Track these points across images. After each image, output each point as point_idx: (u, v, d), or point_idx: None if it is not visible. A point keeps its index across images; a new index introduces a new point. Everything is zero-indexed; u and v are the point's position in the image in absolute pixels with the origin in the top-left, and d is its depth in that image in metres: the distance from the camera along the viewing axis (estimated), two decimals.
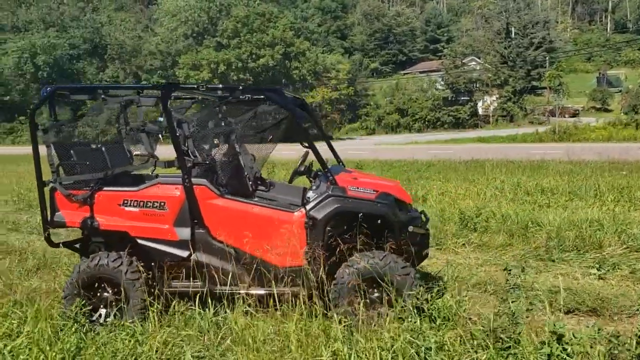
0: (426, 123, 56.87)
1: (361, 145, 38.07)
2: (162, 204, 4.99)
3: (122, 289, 4.92)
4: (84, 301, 4.84)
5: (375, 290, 4.89)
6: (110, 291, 5.01)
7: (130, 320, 4.74)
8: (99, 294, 5.01)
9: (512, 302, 4.42)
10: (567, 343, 3.87)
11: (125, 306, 4.91)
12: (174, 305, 4.90)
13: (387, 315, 4.66)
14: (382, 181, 5.58)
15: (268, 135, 6.43)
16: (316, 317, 4.52)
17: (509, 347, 3.97)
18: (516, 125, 49.67)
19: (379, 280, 4.78)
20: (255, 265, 4.89)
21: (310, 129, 6.38)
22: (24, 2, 59.58)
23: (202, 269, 4.97)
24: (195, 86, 5.13)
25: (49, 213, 5.17)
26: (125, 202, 5.02)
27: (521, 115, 52.87)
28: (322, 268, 4.86)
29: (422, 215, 5.45)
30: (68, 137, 5.20)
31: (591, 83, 62.66)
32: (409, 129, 56.99)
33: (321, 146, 5.32)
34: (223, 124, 5.90)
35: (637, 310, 5.29)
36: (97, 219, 5.05)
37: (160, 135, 5.98)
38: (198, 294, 4.87)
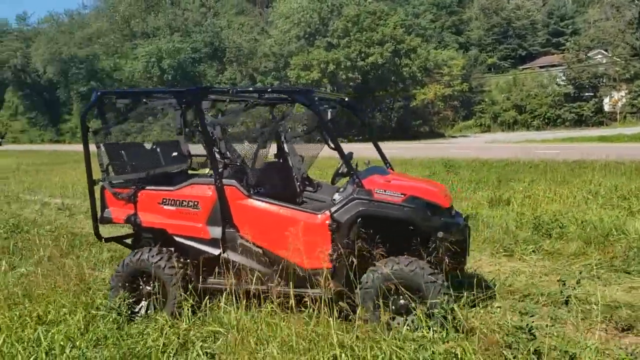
0: (545, 120, 53.88)
1: (470, 143, 36.84)
2: (196, 203, 5.18)
3: (161, 284, 5.18)
4: (126, 293, 5.16)
5: (402, 297, 4.75)
6: (150, 285, 5.28)
7: (167, 314, 4.97)
8: (141, 288, 5.30)
9: (531, 316, 4.09)
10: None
11: (163, 300, 5.16)
12: (206, 302, 5.06)
13: (406, 322, 4.52)
14: (419, 184, 5.39)
15: (316, 135, 6.46)
16: (337, 319, 4.49)
17: None
18: None
19: (403, 287, 4.65)
20: (281, 266, 4.94)
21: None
22: (153, 9, 63.96)
23: (232, 267, 5.10)
24: (227, 90, 5.26)
25: (99, 210, 5.55)
26: (164, 200, 5.28)
27: None
28: (345, 271, 4.82)
29: (461, 222, 5.19)
30: (117, 138, 5.53)
31: None
32: (526, 127, 54.30)
33: (385, 145, 5.23)
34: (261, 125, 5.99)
35: None
36: (140, 216, 5.35)
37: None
38: (227, 292, 5.00)
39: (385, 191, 4.82)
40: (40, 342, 4.35)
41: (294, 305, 4.62)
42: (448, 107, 61.91)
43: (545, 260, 7.21)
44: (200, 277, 5.15)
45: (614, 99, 52.06)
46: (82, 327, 4.61)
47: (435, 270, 4.69)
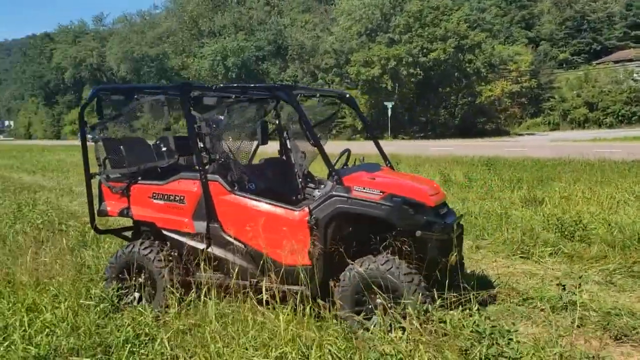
0: (619, 118, 51.34)
1: (533, 141, 35.57)
2: (182, 197, 5.26)
3: (150, 276, 5.30)
4: (118, 284, 5.31)
5: (379, 296, 4.65)
6: (141, 277, 5.40)
7: (156, 306, 5.07)
8: (133, 279, 5.42)
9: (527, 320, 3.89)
10: None
11: (153, 292, 5.28)
12: (191, 295, 5.12)
13: (374, 322, 4.42)
14: (406, 182, 5.26)
15: (317, 131, 6.40)
16: (313, 317, 4.45)
17: None
18: None
19: (379, 286, 4.56)
20: (262, 262, 4.94)
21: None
22: (220, 9, 65.42)
23: (217, 262, 5.16)
24: (210, 86, 5.29)
25: (97, 203, 5.74)
26: (154, 194, 5.38)
27: None
28: (323, 269, 4.76)
29: (449, 221, 5.00)
30: (113, 134, 5.68)
31: None
32: (598, 124, 51.94)
33: (386, 145, 5.15)
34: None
35: None
36: (132, 210, 5.49)
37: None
38: (210, 286, 5.03)
39: (364, 188, 4.71)
40: (21, 327, 4.54)
41: (279, 300, 4.61)
42: (515, 104, 60.09)
43: (562, 263, 6.86)
44: (188, 270, 5.21)
45: None
46: (68, 315, 4.75)
47: (412, 270, 4.56)
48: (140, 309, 4.90)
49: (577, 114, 54.29)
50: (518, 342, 3.90)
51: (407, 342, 3.89)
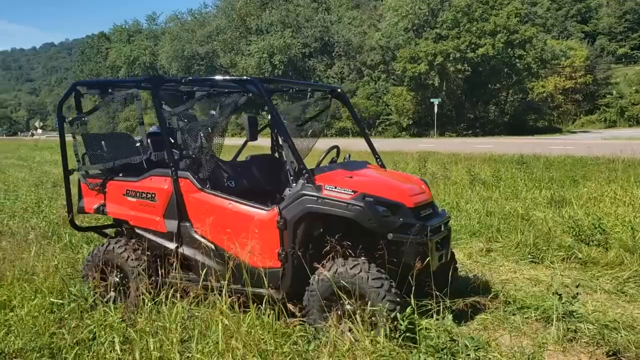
0: None
1: (584, 139, 34.13)
2: (153, 195, 5.10)
3: (125, 275, 5.18)
4: (94, 283, 5.19)
5: (348, 302, 4.38)
6: (117, 276, 5.28)
7: (130, 306, 4.94)
8: (109, 278, 5.31)
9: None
10: None
11: (127, 292, 5.15)
12: (161, 297, 4.95)
13: (343, 331, 4.15)
14: (385, 181, 4.95)
15: (309, 127, 6.16)
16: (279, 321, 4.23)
17: None
18: None
19: (348, 291, 4.29)
20: (232, 263, 4.73)
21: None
22: (268, 6, 65.71)
23: (189, 263, 4.99)
24: (180, 79, 5.11)
25: (77, 200, 5.66)
26: (128, 192, 5.25)
27: None
28: (292, 272, 4.53)
29: (430, 224, 4.66)
30: (91, 129, 5.57)
31: None
32: None
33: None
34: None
35: None
36: (107, 207, 5.38)
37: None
38: (181, 288, 4.86)
39: (335, 187, 4.43)
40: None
41: (250, 304, 4.41)
42: (569, 100, 58.00)
43: (574, 269, 6.40)
44: (160, 271, 5.05)
45: None
46: (30, 313, 4.67)
47: (382, 275, 4.26)
48: (107, 309, 4.77)
49: (635, 111, 51.98)
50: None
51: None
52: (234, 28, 68.73)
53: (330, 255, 4.40)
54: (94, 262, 5.28)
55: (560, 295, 4.75)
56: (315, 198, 4.43)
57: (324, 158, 5.54)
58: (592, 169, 14.34)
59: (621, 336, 4.40)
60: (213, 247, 4.84)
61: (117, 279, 5.22)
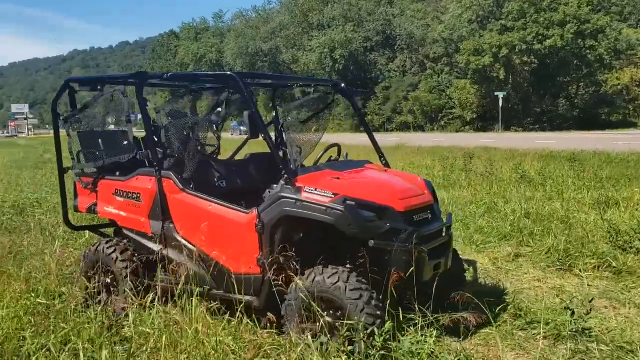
0: None
1: None
2: (138, 195, 4.97)
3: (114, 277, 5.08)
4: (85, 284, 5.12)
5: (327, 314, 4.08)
6: (107, 278, 5.18)
7: (118, 308, 4.83)
8: (99, 279, 5.22)
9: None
10: None
11: (116, 294, 5.04)
12: (146, 301, 4.81)
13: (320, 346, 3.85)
14: (383, 182, 4.61)
15: (313, 124, 5.88)
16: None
17: None
18: None
19: (326, 302, 4.02)
20: (213, 267, 4.54)
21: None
22: (330, 1, 65.43)
23: (173, 266, 4.82)
24: (161, 75, 4.93)
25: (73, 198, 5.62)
26: (116, 191, 5.14)
27: None
28: (268, 279, 4.26)
29: (423, 230, 4.28)
30: (85, 126, 5.48)
31: None
32: None
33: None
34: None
35: None
36: (98, 206, 5.30)
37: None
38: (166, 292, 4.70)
39: (315, 190, 4.13)
40: None
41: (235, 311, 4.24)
42: None
43: (605, 279, 5.84)
44: (146, 273, 4.91)
45: None
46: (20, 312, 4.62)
47: (362, 286, 3.94)
48: (88, 312, 4.66)
49: None
50: None
51: None
52: (296, 24, 68.91)
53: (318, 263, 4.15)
54: (85, 262, 5.22)
55: (572, 310, 4.28)
56: (294, 201, 4.15)
57: (321, 156, 5.26)
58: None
59: None
60: (195, 250, 4.66)
61: (108, 280, 5.13)
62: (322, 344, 3.79)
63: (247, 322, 4.23)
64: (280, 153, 6.14)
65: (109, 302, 5.08)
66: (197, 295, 4.49)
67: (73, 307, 4.64)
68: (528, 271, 6.25)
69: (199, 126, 5.14)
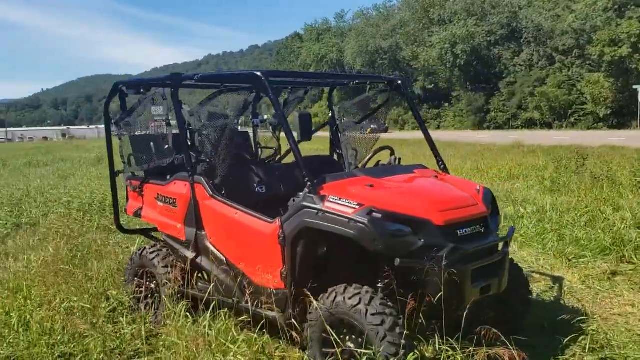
0: None
1: None
2: (174, 200, 4.82)
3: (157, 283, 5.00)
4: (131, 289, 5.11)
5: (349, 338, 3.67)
6: (152, 283, 5.11)
7: (159, 315, 4.75)
8: (145, 284, 5.15)
9: None
10: None
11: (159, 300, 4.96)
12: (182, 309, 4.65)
13: None
14: (425, 190, 4.07)
15: (368, 125, 5.46)
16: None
17: None
18: None
19: (346, 326, 3.61)
20: (240, 279, 4.27)
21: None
22: None
23: (206, 275, 4.65)
24: (192, 76, 4.68)
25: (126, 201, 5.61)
26: (158, 196, 5.04)
27: None
28: (295, 295, 3.91)
29: (466, 248, 3.70)
30: (136, 130, 5.41)
31: None
32: None
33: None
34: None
35: None
36: (142, 210, 5.23)
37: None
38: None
39: (339, 199, 3.70)
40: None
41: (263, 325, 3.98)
42: None
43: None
44: (186, 281, 4.74)
45: None
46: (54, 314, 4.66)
47: (386, 310, 3.46)
48: (123, 320, 4.59)
49: None
50: None
51: None
52: (416, 20, 67.66)
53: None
54: (132, 267, 5.20)
55: None
56: (315, 211, 3.75)
57: (369, 160, 4.82)
58: None
59: None
60: (224, 259, 4.43)
61: (153, 286, 5.07)
62: None
63: (276, 339, 3.93)
64: (335, 156, 5.80)
65: (153, 307, 5.02)
66: (225, 308, 4.29)
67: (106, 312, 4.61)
68: (622, 293, 5.38)
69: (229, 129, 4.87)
